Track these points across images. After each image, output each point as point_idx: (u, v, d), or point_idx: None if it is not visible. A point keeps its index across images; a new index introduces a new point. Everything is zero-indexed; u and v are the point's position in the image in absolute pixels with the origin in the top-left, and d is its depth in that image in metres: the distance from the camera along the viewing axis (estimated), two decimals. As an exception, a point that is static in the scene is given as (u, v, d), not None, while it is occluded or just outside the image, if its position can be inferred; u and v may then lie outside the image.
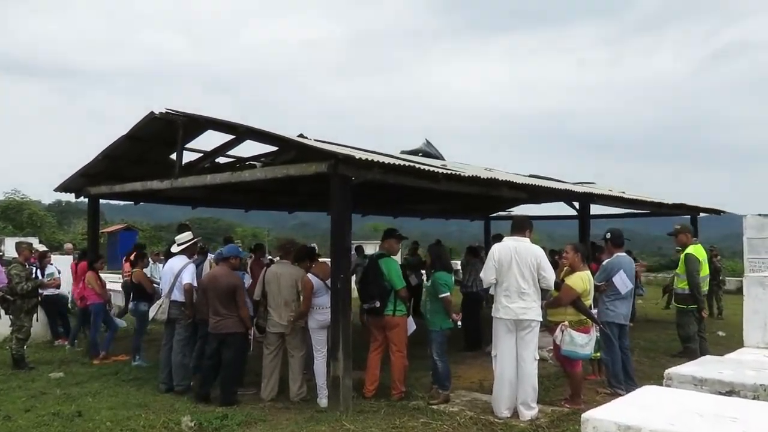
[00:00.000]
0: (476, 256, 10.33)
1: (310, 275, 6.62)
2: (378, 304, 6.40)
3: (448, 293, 6.32)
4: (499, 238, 11.65)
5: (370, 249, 15.05)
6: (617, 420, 2.92)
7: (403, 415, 5.92)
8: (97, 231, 9.87)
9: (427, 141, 11.20)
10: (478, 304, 9.85)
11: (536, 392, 5.80)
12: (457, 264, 17.30)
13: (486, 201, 14.36)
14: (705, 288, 7.23)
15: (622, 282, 6.75)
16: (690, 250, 7.22)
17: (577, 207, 12.75)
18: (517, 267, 5.67)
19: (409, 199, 13.22)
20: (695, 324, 7.15)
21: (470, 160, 12.93)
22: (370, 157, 5.70)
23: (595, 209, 14.03)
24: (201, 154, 8.79)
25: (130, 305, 8.88)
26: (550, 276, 5.74)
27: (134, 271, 8.67)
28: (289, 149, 6.92)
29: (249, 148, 9.15)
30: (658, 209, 11.13)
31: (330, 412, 5.97)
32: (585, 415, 3.38)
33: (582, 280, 6.11)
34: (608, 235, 6.96)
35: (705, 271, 7.19)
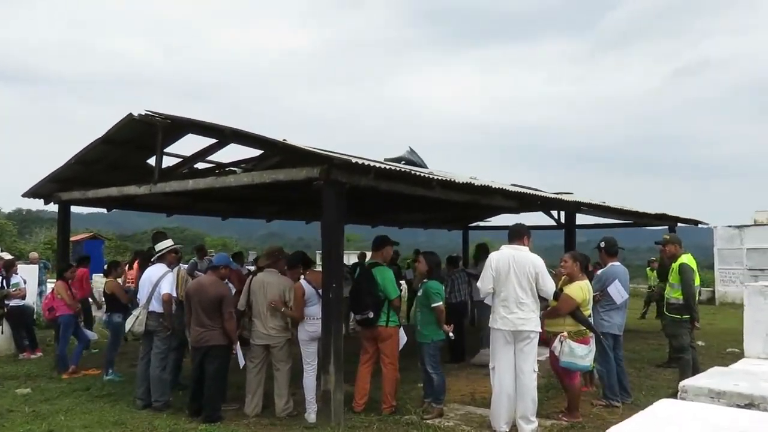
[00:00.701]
0: (456, 266, 10.17)
1: (303, 281, 6.36)
2: (372, 315, 6.16)
3: (441, 302, 6.11)
4: (484, 247, 11.62)
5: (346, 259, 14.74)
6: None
7: (397, 431, 5.68)
8: (68, 239, 9.43)
9: (411, 149, 10.99)
10: (461, 315, 9.67)
11: (536, 405, 5.61)
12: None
13: (465, 211, 14.26)
14: (697, 298, 7.16)
15: (618, 292, 6.64)
16: (683, 259, 7.13)
17: (557, 217, 12.82)
18: (515, 276, 5.49)
19: (390, 209, 13.01)
20: (688, 334, 7.05)
21: (447, 170, 12.84)
22: (366, 162, 5.46)
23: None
24: (179, 159, 8.48)
25: (104, 317, 8.46)
26: (549, 286, 5.58)
27: (107, 281, 8.26)
28: (276, 154, 6.66)
29: (229, 154, 8.86)
30: (640, 219, 11.13)
31: (320, 429, 5.69)
32: (606, 434, 3.21)
33: (581, 290, 5.97)
34: (602, 244, 6.84)
35: (697, 281, 7.12)
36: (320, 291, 6.21)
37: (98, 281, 19.52)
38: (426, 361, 6.17)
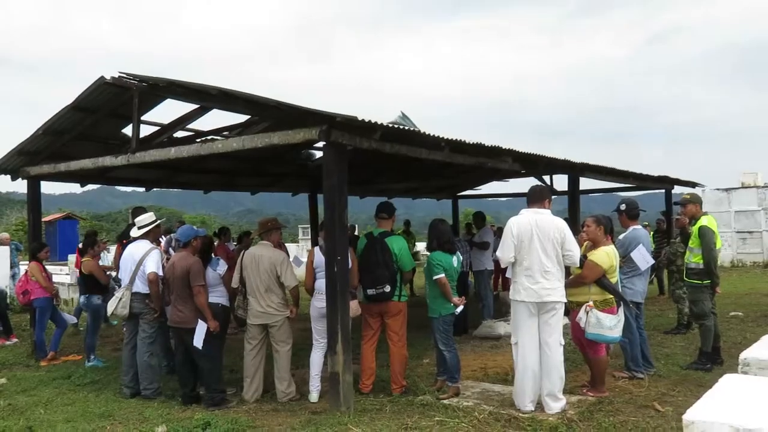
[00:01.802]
0: (455, 235, 9.73)
1: (316, 249, 5.84)
2: (388, 289, 5.66)
3: (442, 274, 5.61)
4: (481, 215, 11.17)
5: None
6: (731, 422, 2.65)
7: (413, 413, 5.21)
8: (39, 217, 8.73)
9: (403, 114, 10.46)
10: (463, 286, 9.25)
11: (563, 382, 5.18)
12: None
13: (455, 178, 13.78)
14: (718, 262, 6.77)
15: (642, 257, 6.21)
16: (703, 221, 6.70)
17: (549, 183, 12.41)
18: (539, 243, 5.00)
19: (379, 177, 12.48)
20: (709, 300, 6.68)
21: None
22: (372, 121, 4.90)
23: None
24: (156, 128, 7.83)
25: (81, 299, 7.86)
26: (576, 251, 5.11)
27: (84, 261, 7.64)
28: (268, 117, 6.05)
29: (210, 121, 8.25)
30: (642, 183, 10.73)
31: (330, 413, 5.21)
32: (688, 417, 2.85)
33: (608, 256, 5.52)
34: (623, 207, 6.38)
35: (719, 243, 6.71)
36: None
37: (72, 261, 18.82)
38: (437, 338, 5.70)
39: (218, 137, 7.91)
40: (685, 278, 6.90)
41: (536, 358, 5.08)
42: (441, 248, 5.70)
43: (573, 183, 9.12)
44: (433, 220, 6.01)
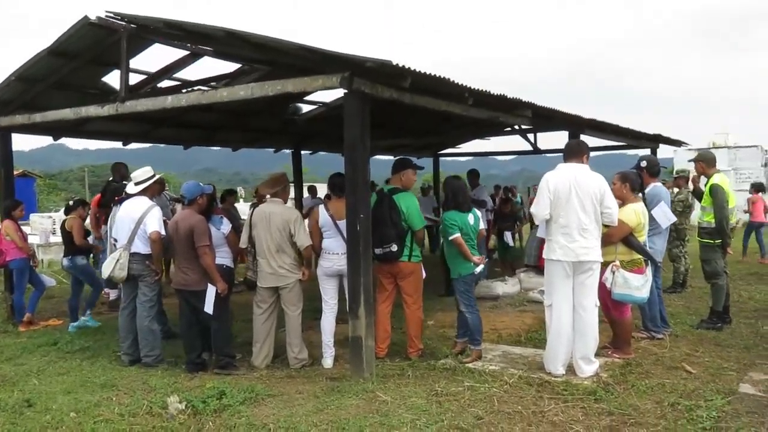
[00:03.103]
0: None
1: (320, 208, 5.49)
2: (395, 248, 5.35)
3: (457, 234, 5.33)
4: (476, 173, 10.91)
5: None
6: None
7: (438, 378, 4.98)
8: (11, 173, 8.07)
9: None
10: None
11: (597, 344, 5.01)
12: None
13: (441, 136, 13.48)
14: (733, 220, 6.64)
15: (664, 214, 6.05)
16: (714, 180, 6.55)
17: (533, 141, 12.18)
18: (577, 199, 4.74)
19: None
20: (722, 259, 6.59)
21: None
22: (402, 65, 4.49)
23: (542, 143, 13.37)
24: (144, 77, 7.26)
25: (64, 261, 7.35)
26: (614, 209, 4.88)
27: (69, 218, 7.12)
28: (280, 62, 5.54)
29: (198, 70, 7.67)
30: (636, 141, 10.58)
31: (352, 380, 4.93)
32: None
33: (635, 213, 5.31)
34: (643, 164, 6.18)
35: (732, 202, 6.59)
36: (338, 222, 5.35)
37: (36, 221, 17.96)
38: (458, 299, 5.45)
39: (204, 87, 7.38)
40: (697, 237, 6.78)
41: (570, 320, 4.88)
42: (457, 207, 5.40)
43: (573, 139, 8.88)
44: (447, 178, 5.71)
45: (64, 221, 7.33)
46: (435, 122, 10.64)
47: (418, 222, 5.54)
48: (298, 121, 10.32)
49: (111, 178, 8.27)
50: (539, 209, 4.85)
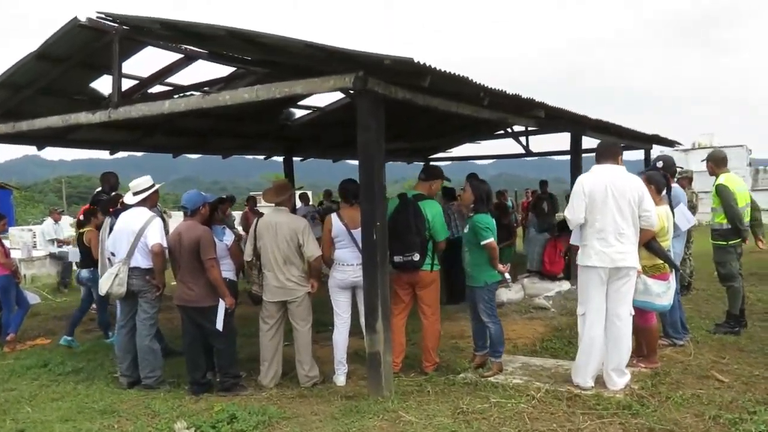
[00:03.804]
0: (453, 198, 9.20)
1: (333, 216, 5.21)
2: (418, 257, 5.10)
3: (491, 239, 5.09)
4: (474, 176, 10.66)
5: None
6: None
7: (461, 394, 4.71)
8: (-6, 184, 7.67)
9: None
10: (459, 252, 8.79)
11: (630, 355, 4.78)
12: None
13: (437, 139, 13.29)
14: (747, 219, 6.48)
15: (684, 216, 5.87)
16: (721, 180, 6.41)
17: (525, 143, 12.00)
18: (614, 202, 4.51)
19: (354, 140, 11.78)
20: (737, 261, 6.42)
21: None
22: (423, 63, 4.23)
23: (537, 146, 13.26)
24: (136, 81, 6.93)
25: (84, 272, 7.08)
26: (653, 212, 4.67)
27: (88, 230, 6.84)
28: (284, 63, 5.25)
29: (189, 76, 7.38)
30: (633, 142, 10.45)
31: (370, 399, 4.64)
32: None
33: (659, 217, 5.08)
34: (659, 164, 5.99)
35: (743, 200, 6.41)
36: (353, 231, 5.08)
37: (15, 234, 17.41)
38: (481, 309, 5.18)
39: (195, 92, 7.06)
40: (711, 240, 6.61)
41: (602, 329, 4.65)
42: (489, 210, 5.17)
43: (575, 142, 8.72)
44: (472, 180, 5.43)
45: (80, 234, 7.02)
46: (432, 125, 10.41)
47: (443, 232, 5.31)
48: (291, 126, 10.01)
49: (99, 188, 7.91)
50: (575, 213, 4.61)
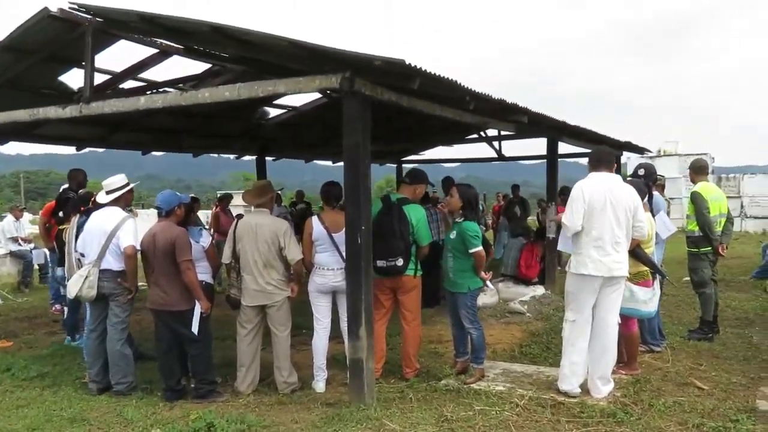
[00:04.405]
0: (428, 201, 9.15)
1: (314, 219, 5.09)
2: (401, 263, 5.01)
3: (480, 247, 5.04)
4: (450, 181, 10.62)
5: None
6: None
7: (444, 401, 4.65)
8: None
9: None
10: (437, 256, 8.73)
11: (615, 363, 4.78)
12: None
13: (405, 142, 13.21)
14: (719, 228, 6.55)
15: (664, 225, 5.92)
16: (696, 188, 6.52)
17: (498, 147, 12.04)
18: (612, 211, 4.49)
19: (335, 140, 11.67)
20: (709, 268, 6.51)
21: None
22: (411, 64, 4.14)
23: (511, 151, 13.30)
24: (108, 76, 6.71)
25: (60, 271, 6.76)
26: (645, 223, 4.68)
27: (63, 229, 6.56)
28: (268, 61, 5.10)
29: (162, 71, 7.18)
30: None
31: (352, 406, 4.53)
32: None
33: (645, 226, 5.12)
34: (641, 171, 6.01)
35: (716, 209, 6.49)
36: (334, 235, 4.96)
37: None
38: (463, 314, 5.12)
39: (170, 88, 6.86)
40: (686, 246, 6.69)
41: (589, 337, 4.64)
42: (476, 218, 5.12)
43: (552, 147, 8.76)
44: (459, 185, 5.36)
45: (59, 231, 6.72)
46: (407, 127, 10.35)
47: (427, 237, 5.24)
48: (266, 125, 9.83)
49: (66, 186, 7.63)
50: (573, 220, 4.56)
